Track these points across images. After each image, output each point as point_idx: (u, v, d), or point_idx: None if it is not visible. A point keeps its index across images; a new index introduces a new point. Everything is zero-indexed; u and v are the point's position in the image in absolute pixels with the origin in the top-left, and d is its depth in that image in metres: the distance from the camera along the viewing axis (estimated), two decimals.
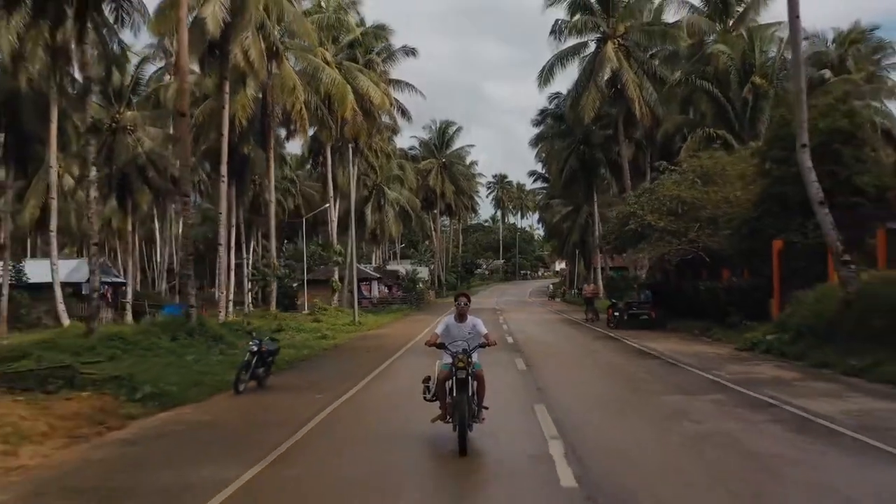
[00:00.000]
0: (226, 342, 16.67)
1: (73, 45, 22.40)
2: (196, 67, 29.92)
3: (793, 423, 8.49)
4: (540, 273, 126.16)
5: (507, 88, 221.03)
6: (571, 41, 36.91)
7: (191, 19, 23.54)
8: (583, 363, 16.34)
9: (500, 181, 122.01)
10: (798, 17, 17.63)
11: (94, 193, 19.53)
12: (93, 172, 19.57)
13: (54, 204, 29.22)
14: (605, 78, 35.34)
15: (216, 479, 6.43)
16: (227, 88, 26.46)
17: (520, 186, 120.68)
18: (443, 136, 76.63)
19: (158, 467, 7.24)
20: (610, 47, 35.27)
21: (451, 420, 7.52)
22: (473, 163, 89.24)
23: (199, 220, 54.18)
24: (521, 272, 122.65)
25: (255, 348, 12.14)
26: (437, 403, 7.84)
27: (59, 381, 10.60)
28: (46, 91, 28.40)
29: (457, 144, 78.52)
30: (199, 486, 6.29)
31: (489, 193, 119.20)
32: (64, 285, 31.14)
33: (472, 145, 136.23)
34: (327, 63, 33.53)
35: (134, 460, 7.65)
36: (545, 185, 69.70)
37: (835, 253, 14.51)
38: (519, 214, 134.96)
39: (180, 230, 57.56)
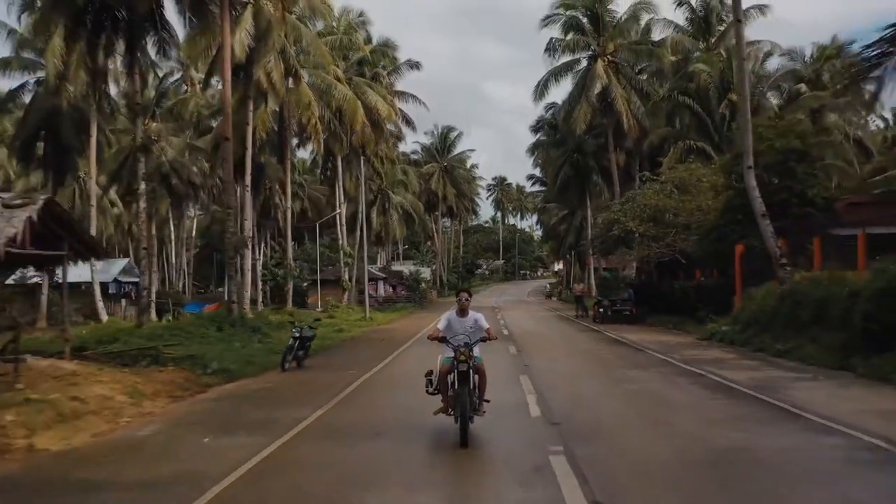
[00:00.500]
0: (262, 332, 19.59)
1: (110, 66, 25.48)
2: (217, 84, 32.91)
3: (709, 385, 11.41)
4: (539, 273, 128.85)
5: (507, 88, 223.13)
6: (565, 58, 39.84)
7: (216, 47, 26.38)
8: (564, 349, 19.23)
9: (500, 183, 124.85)
10: (740, 20, 20.54)
11: (143, 204, 22.45)
12: (142, 186, 22.49)
13: (93, 211, 32.08)
14: (596, 92, 38.17)
15: (294, 417, 9.32)
16: (251, 107, 29.34)
17: (519, 188, 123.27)
18: (444, 140, 79.51)
19: (248, 411, 10.16)
20: (600, 65, 38.18)
21: (452, 412, 7.76)
22: (474, 166, 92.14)
23: (209, 221, 57.22)
24: (521, 272, 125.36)
25: (297, 335, 15.05)
26: (440, 397, 8.05)
27: (148, 359, 13.53)
28: (85, 108, 31.26)
29: (458, 149, 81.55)
30: (282, 420, 9.18)
31: (489, 195, 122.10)
32: (90, 284, 33.87)
33: (472, 150, 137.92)
34: (339, 80, 36.43)
35: (226, 409, 10.58)
36: (543, 188, 72.60)
37: (774, 257, 17.42)
38: (519, 216, 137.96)
39: (194, 233, 60.84)
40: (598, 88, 37.99)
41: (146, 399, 10.81)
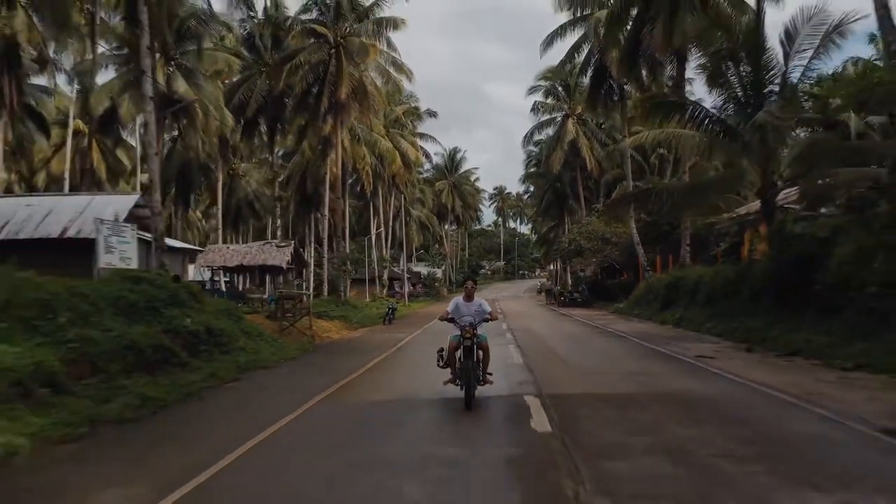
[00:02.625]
0: (357, 308, 33.90)
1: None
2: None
3: (603, 334, 25.68)
4: (536, 273, 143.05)
5: (508, 89, 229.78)
6: (545, 116, 54.16)
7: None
8: (532, 317, 33.39)
9: (501, 192, 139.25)
10: (624, 136, 34.86)
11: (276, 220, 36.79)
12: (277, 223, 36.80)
13: (220, 233, 46.42)
14: (567, 141, 52.40)
15: (397, 338, 23.61)
16: (332, 165, 43.62)
17: (519, 195, 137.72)
18: (452, 160, 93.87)
19: (381, 333, 24.55)
20: (570, 122, 52.47)
21: (459, 382, 9.04)
22: (476, 179, 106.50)
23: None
24: (520, 272, 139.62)
25: (389, 307, 29.45)
26: (449, 370, 9.29)
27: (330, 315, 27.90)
28: (212, 165, 45.46)
29: (464, 167, 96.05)
30: (392, 341, 23.48)
31: (491, 204, 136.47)
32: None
33: (476, 167, 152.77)
34: (381, 135, 50.73)
35: (371, 334, 24.95)
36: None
37: (642, 266, 31.72)
38: (518, 220, 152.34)
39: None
40: (568, 139, 52.23)
41: (335, 332, 25.16)
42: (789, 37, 18.92)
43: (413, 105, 57.70)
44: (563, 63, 38.87)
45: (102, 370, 9.99)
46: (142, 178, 40.43)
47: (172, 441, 7.86)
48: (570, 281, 60.83)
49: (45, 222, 19.49)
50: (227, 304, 18.30)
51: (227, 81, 38.41)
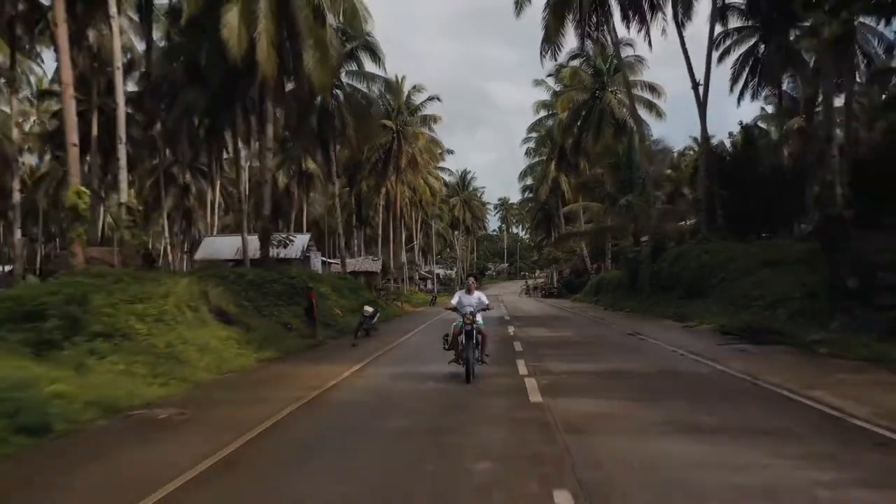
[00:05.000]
0: (411, 296, 52.95)
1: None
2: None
3: (552, 307, 44.77)
4: (535, 274, 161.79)
5: (511, 89, 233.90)
6: (536, 158, 73.28)
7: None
8: (522, 302, 52.32)
9: (504, 203, 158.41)
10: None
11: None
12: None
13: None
14: (551, 178, 71.46)
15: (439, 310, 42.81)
16: (383, 198, 62.67)
17: (521, 204, 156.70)
18: (463, 180, 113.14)
19: (431, 309, 43.71)
20: (553, 163, 71.53)
21: (461, 362, 10.87)
22: (482, 193, 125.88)
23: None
24: (521, 273, 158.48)
25: (434, 296, 48.62)
26: (453, 352, 11.19)
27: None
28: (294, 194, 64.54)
29: (474, 185, 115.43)
30: (438, 311, 42.75)
31: (496, 213, 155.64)
32: None
33: (483, 187, 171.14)
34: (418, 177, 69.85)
35: (427, 310, 44.06)
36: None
37: (588, 269, 50.85)
38: (520, 227, 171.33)
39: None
40: (552, 176, 71.24)
41: (410, 307, 44.27)
42: (644, 152, 38.06)
43: (438, 151, 76.83)
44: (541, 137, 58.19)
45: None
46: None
47: (376, 337, 26.98)
48: (555, 280, 79.93)
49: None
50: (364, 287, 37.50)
51: None
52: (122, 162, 18.95)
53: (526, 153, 73.49)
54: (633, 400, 9.23)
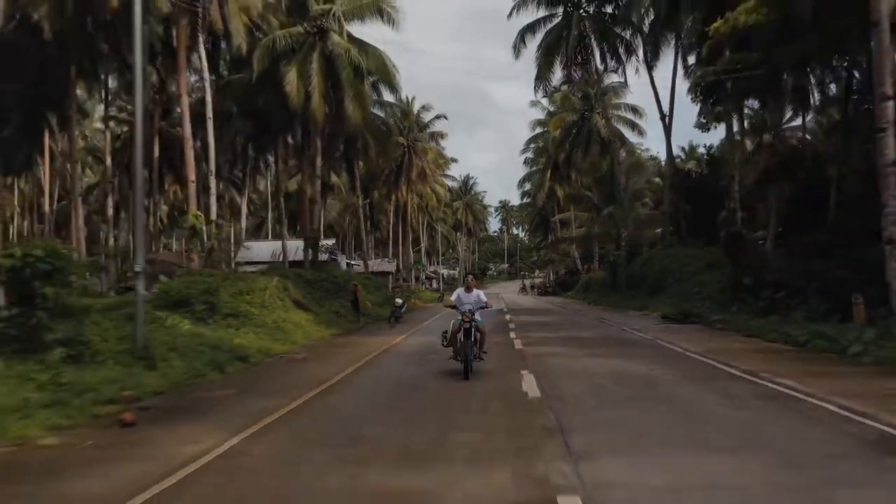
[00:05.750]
0: (421, 293, 59.22)
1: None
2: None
3: (545, 302, 51.02)
4: (535, 273, 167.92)
5: (512, 91, 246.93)
6: (535, 168, 79.52)
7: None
8: (520, 298, 58.48)
9: (505, 205, 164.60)
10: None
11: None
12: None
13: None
14: (547, 187, 77.68)
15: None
16: (394, 204, 68.91)
17: (521, 207, 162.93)
18: (466, 185, 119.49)
19: (439, 304, 50.06)
20: (549, 174, 77.75)
21: (460, 359, 11.17)
22: (483, 197, 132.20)
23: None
24: (521, 274, 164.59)
25: (441, 294, 54.90)
26: (452, 348, 11.50)
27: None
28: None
29: (475, 189, 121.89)
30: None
31: (497, 215, 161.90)
32: None
33: (485, 191, 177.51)
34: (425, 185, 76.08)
35: (436, 306, 50.37)
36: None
37: (580, 270, 57.09)
38: (520, 228, 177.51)
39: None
40: (548, 185, 77.47)
41: (421, 303, 50.53)
42: (624, 169, 44.33)
43: (442, 161, 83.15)
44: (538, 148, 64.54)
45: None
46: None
47: (404, 322, 33.23)
48: (552, 279, 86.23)
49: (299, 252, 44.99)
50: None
51: None
52: (213, 189, 25.18)
53: (525, 162, 79.88)
54: (575, 347, 15.59)
